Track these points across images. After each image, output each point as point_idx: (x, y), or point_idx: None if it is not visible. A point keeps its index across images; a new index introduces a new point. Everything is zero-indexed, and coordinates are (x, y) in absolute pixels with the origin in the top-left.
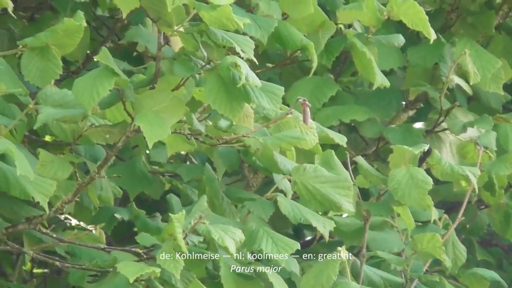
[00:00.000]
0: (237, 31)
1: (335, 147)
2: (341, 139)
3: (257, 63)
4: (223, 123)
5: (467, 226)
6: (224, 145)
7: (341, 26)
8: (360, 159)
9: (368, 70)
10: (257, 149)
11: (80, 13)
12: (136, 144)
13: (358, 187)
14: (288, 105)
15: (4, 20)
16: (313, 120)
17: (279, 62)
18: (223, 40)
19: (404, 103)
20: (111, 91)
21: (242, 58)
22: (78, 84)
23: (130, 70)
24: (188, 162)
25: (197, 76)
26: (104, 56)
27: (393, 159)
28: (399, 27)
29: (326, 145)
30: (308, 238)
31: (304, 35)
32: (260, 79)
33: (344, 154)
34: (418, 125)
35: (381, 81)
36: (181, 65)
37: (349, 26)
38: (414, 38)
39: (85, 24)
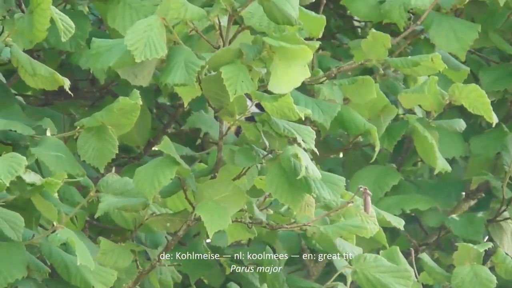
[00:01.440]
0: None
1: (396, 235)
2: (398, 222)
3: (317, 153)
4: (283, 209)
5: None
6: (285, 228)
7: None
8: (424, 256)
9: (430, 155)
10: (314, 233)
11: (136, 92)
12: (197, 232)
13: (422, 284)
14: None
15: (66, 106)
16: None
17: (341, 148)
18: (285, 130)
19: (465, 192)
20: (172, 180)
21: (303, 148)
22: (140, 173)
23: (192, 155)
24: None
25: (259, 165)
26: (165, 145)
27: (458, 256)
28: (463, 117)
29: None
30: None
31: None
32: (322, 167)
33: (405, 244)
34: (480, 214)
35: (442, 165)
36: (242, 155)
37: (410, 111)
38: (476, 127)
39: (140, 102)
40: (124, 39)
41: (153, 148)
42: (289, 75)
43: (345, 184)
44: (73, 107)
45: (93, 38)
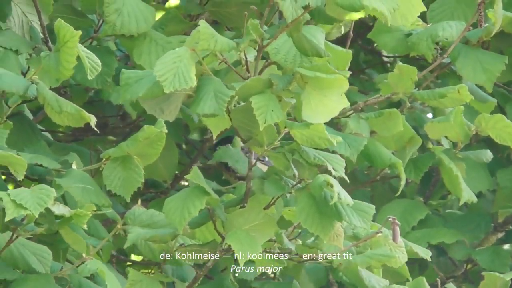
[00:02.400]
0: (326, 150)
1: (424, 268)
2: (425, 253)
3: (347, 180)
4: (310, 240)
5: None
6: (312, 261)
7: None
8: (451, 286)
9: (455, 186)
10: (340, 264)
11: (161, 121)
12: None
13: None
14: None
15: (94, 142)
16: None
17: (368, 181)
18: (315, 159)
19: (493, 225)
20: (201, 210)
21: (334, 176)
22: (169, 203)
23: (220, 189)
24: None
25: (288, 195)
26: (195, 175)
27: (484, 286)
28: (490, 150)
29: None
30: None
31: (392, 152)
32: None
33: (433, 276)
34: (507, 247)
35: (467, 197)
36: (272, 184)
37: (438, 143)
38: (503, 161)
39: (166, 131)
40: (154, 69)
41: (180, 182)
42: (324, 105)
43: (374, 212)
44: (101, 143)
45: (123, 69)
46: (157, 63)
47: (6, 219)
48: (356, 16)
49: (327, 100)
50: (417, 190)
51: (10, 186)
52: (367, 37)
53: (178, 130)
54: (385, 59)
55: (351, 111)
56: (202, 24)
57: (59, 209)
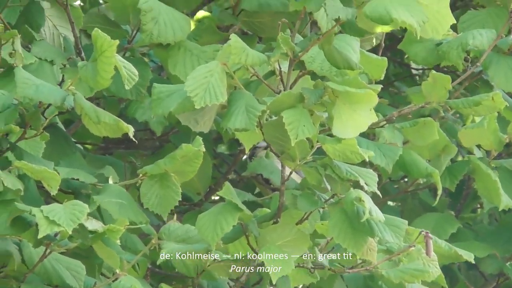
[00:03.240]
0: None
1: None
2: (469, 256)
3: (380, 196)
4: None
5: None
6: (349, 272)
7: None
8: None
9: (492, 193)
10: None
11: (199, 139)
12: (258, 280)
13: None
14: None
15: (126, 155)
16: None
17: (399, 193)
18: (347, 174)
19: None
20: (234, 225)
21: (366, 191)
22: (202, 219)
23: (254, 201)
24: None
25: (321, 210)
26: (227, 191)
27: None
28: None
29: None
30: None
31: (427, 161)
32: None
33: None
34: None
35: (506, 202)
36: (305, 199)
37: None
38: None
39: (203, 149)
40: (185, 84)
41: (214, 195)
42: (354, 120)
43: (407, 227)
44: (132, 156)
45: (154, 84)
46: (188, 77)
47: (39, 236)
48: (387, 28)
49: (356, 115)
50: (448, 204)
51: None
52: (398, 47)
53: (208, 143)
54: (414, 71)
55: (385, 122)
56: (233, 38)
57: (92, 225)
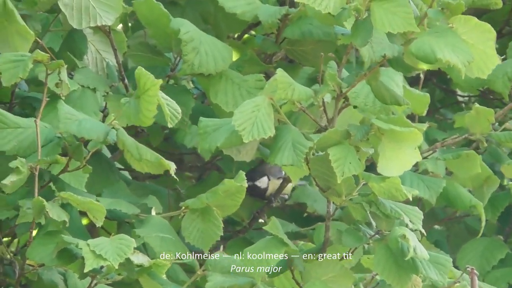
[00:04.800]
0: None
1: None
2: None
3: (424, 234)
4: None
5: None
6: None
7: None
8: None
9: None
10: None
11: (242, 174)
12: None
13: None
14: (457, 267)
15: (172, 181)
16: (483, 281)
17: (446, 218)
18: (392, 211)
19: None
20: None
21: (411, 228)
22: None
23: (298, 231)
24: None
25: (365, 245)
26: (273, 226)
27: None
28: None
29: None
30: None
31: (469, 190)
32: (428, 238)
33: None
34: None
35: None
36: (350, 235)
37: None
38: None
39: (246, 185)
40: (232, 119)
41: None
42: (399, 158)
43: (452, 265)
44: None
45: (201, 118)
46: (235, 112)
47: (85, 270)
48: (433, 66)
49: (401, 153)
50: (496, 229)
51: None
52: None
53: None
54: (460, 98)
55: (429, 152)
56: (279, 72)
57: (139, 259)
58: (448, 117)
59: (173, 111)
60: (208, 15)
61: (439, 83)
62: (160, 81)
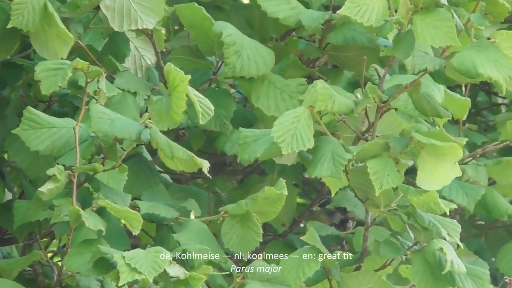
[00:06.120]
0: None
1: None
2: None
3: (462, 247)
4: None
5: None
6: None
7: None
8: None
9: None
10: None
11: (282, 182)
12: None
13: None
14: (497, 269)
15: (213, 184)
16: None
17: (485, 227)
18: (430, 224)
19: None
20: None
21: (448, 241)
22: (286, 262)
23: (338, 235)
24: None
25: (403, 256)
26: (311, 237)
27: None
28: None
29: None
30: None
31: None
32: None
33: None
34: None
35: None
36: (388, 246)
37: None
38: None
39: (286, 193)
40: (272, 130)
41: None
42: (438, 172)
43: (489, 278)
44: (220, 181)
45: (240, 128)
46: (275, 123)
47: (120, 283)
48: (474, 80)
49: (441, 168)
50: None
51: None
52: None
53: (296, 169)
54: (500, 100)
55: (470, 158)
56: (320, 84)
57: (175, 271)
58: (489, 119)
59: (205, 108)
60: (253, 19)
61: (481, 85)
62: (189, 77)
